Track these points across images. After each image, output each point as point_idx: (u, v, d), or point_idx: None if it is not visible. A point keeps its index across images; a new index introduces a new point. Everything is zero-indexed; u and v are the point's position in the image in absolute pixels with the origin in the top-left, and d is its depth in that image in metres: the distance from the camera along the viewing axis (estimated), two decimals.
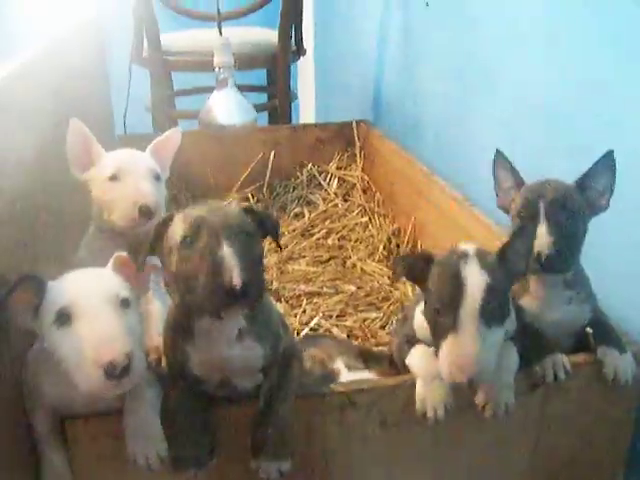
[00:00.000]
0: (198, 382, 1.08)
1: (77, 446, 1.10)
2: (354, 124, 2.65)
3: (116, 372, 0.91)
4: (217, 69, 2.09)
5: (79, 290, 0.98)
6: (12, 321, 0.99)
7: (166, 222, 1.02)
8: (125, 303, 0.99)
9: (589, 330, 1.26)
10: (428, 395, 1.10)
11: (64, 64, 1.73)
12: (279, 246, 1.10)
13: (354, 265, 2.12)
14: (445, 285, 1.03)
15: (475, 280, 1.01)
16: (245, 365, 1.07)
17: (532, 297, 1.21)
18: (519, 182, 1.22)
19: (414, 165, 2.20)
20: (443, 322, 1.02)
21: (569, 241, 1.12)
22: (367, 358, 1.39)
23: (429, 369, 1.11)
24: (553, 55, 1.61)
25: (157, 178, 1.38)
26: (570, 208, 1.12)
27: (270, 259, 2.14)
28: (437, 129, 2.27)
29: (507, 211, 1.22)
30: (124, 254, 1.05)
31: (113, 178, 1.34)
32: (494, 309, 1.01)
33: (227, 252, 0.91)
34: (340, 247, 2.25)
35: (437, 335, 1.04)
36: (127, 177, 1.33)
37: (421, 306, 1.13)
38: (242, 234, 0.96)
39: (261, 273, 0.98)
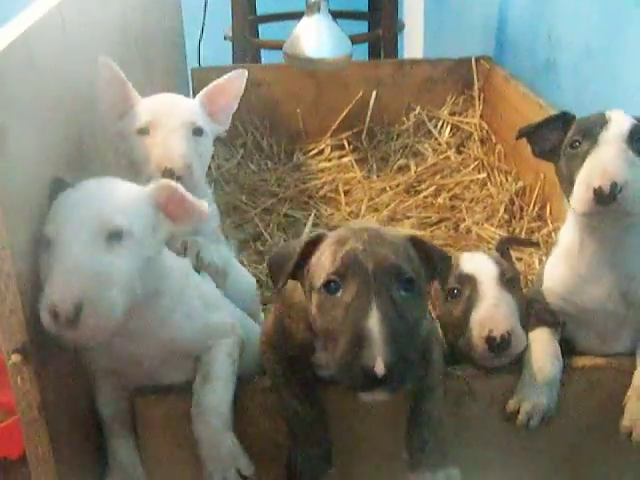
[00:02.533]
0: (313, 382, 1.11)
1: (148, 428, 1.08)
2: (473, 61, 2.56)
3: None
4: None
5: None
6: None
7: (313, 244, 0.99)
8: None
9: None
10: (531, 397, 1.13)
11: None
12: (444, 289, 1.13)
13: (468, 230, 2.05)
14: (586, 121, 1.11)
15: (621, 117, 1.09)
16: None
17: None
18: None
19: (546, 112, 2.05)
20: (580, 151, 1.09)
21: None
22: None
23: (547, 366, 1.13)
24: None
25: (199, 132, 1.29)
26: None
27: (368, 219, 2.09)
28: (577, 69, 2.15)
29: None
30: None
31: (142, 131, 1.27)
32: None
33: (375, 324, 0.87)
34: (452, 208, 2.18)
35: (573, 171, 1.08)
36: (157, 131, 1.25)
37: (552, 258, 1.20)
38: (402, 286, 0.92)
39: (414, 345, 0.93)
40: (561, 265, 1.19)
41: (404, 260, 0.94)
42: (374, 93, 2.52)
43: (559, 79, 2.26)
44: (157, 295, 1.02)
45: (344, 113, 2.52)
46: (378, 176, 2.36)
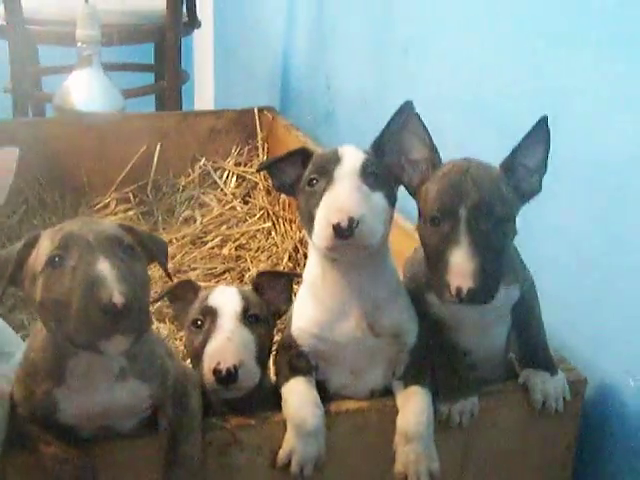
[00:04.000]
0: (68, 432, 1.08)
1: None
2: (256, 111, 2.66)
3: None
4: (79, 44, 2.06)
5: None
6: None
7: (29, 244, 1.01)
8: None
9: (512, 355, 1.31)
10: (299, 448, 1.16)
11: None
12: (168, 275, 1.12)
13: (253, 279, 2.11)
14: (319, 160, 1.18)
15: (353, 153, 1.17)
16: (130, 408, 1.09)
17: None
18: (433, 157, 1.17)
19: None
20: (316, 190, 1.14)
21: (497, 262, 1.09)
22: None
23: (308, 419, 1.17)
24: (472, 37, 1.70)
25: None
26: (499, 214, 1.09)
27: (153, 272, 2.10)
28: (353, 119, 2.30)
29: (413, 193, 1.20)
30: None
31: None
32: (373, 177, 1.15)
33: (105, 266, 0.92)
34: (238, 258, 2.26)
35: (309, 208, 1.14)
36: None
37: (299, 297, 1.24)
38: (122, 249, 0.98)
39: (147, 297, 0.99)
40: (308, 301, 1.22)
41: (121, 234, 1.00)
42: (159, 145, 2.55)
43: (338, 128, 2.42)
44: None
45: (129, 166, 2.53)
46: (164, 228, 2.40)
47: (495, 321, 1.25)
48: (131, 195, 2.53)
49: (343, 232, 1.06)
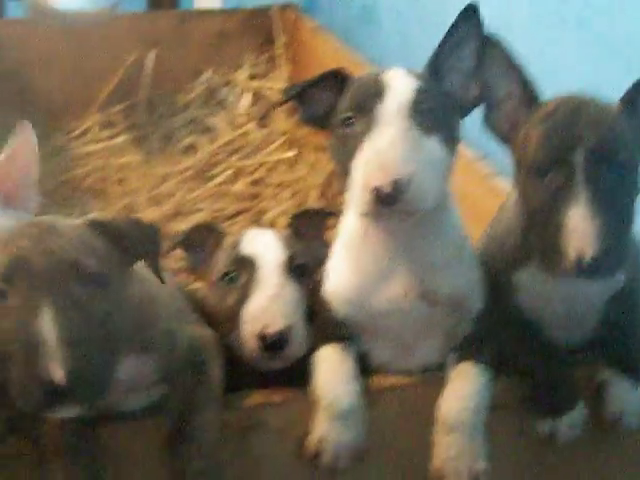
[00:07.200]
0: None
1: None
2: (275, 10, 2.61)
3: None
4: None
5: None
6: None
7: None
8: None
9: None
10: (331, 436, 1.14)
11: None
12: (160, 278, 1.08)
13: (273, 223, 2.07)
14: (360, 88, 1.11)
15: (400, 81, 1.10)
16: (131, 384, 1.12)
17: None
18: (527, 93, 1.14)
19: (365, 71, 2.14)
20: (355, 132, 1.09)
21: (624, 224, 1.07)
22: None
23: (342, 397, 1.14)
24: None
25: None
26: (623, 160, 1.06)
27: (148, 214, 2.08)
28: (399, 16, 2.24)
29: (505, 140, 1.17)
30: None
31: None
32: (428, 113, 1.08)
33: (47, 323, 0.91)
34: (254, 196, 2.21)
35: (346, 157, 1.09)
36: None
37: (336, 254, 1.22)
38: (80, 280, 0.96)
39: (112, 343, 0.98)
40: (345, 261, 1.21)
41: (85, 254, 0.97)
42: (152, 54, 2.51)
43: (379, 29, 2.37)
44: None
45: (114, 81, 2.50)
46: (160, 159, 2.35)
47: (584, 315, 1.22)
48: (119, 117, 2.49)
49: (386, 198, 1.03)
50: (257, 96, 2.56)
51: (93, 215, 1.05)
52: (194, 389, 1.14)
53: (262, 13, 2.61)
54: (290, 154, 2.35)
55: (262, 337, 1.15)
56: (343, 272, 1.21)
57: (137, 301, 1.11)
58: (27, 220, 1.05)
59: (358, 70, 2.12)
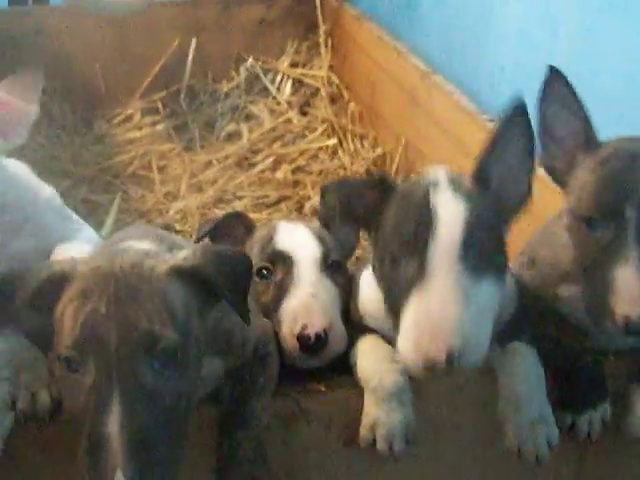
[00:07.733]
0: None
1: None
2: None
3: None
4: None
5: None
6: None
7: (54, 283, 0.97)
8: None
9: None
10: (382, 419, 1.11)
11: None
12: (245, 318, 1.01)
13: (315, 210, 2.04)
14: (407, 219, 1.04)
15: (449, 210, 1.02)
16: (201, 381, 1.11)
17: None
18: (587, 133, 1.11)
19: (407, 60, 2.15)
20: (404, 274, 1.02)
21: None
22: None
23: (385, 377, 1.11)
24: None
25: None
26: None
27: (189, 201, 2.09)
28: (443, 8, 2.23)
29: (559, 180, 1.14)
30: None
31: None
32: (479, 250, 1.02)
33: (114, 429, 0.90)
34: (295, 183, 2.21)
35: (394, 298, 1.04)
36: None
37: (369, 268, 1.15)
38: (156, 357, 0.93)
39: (182, 425, 0.95)
40: (377, 285, 1.15)
41: (160, 320, 0.93)
42: (194, 41, 2.52)
43: (423, 18, 2.32)
44: None
45: (156, 68, 2.50)
46: (202, 147, 2.36)
47: None
48: (160, 104, 2.49)
49: (439, 366, 0.98)
50: (298, 84, 2.56)
51: (180, 259, 0.98)
52: (255, 379, 1.14)
53: (304, 1, 2.60)
54: (331, 142, 2.34)
55: (302, 338, 1.14)
56: (375, 293, 1.14)
57: (221, 331, 1.09)
58: (105, 260, 0.98)
59: (399, 59, 2.14)
